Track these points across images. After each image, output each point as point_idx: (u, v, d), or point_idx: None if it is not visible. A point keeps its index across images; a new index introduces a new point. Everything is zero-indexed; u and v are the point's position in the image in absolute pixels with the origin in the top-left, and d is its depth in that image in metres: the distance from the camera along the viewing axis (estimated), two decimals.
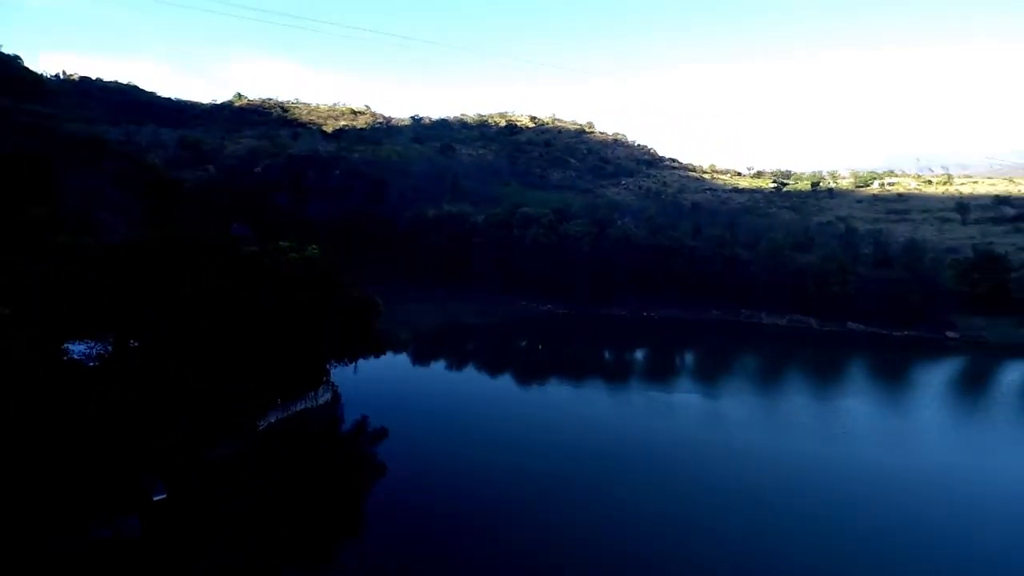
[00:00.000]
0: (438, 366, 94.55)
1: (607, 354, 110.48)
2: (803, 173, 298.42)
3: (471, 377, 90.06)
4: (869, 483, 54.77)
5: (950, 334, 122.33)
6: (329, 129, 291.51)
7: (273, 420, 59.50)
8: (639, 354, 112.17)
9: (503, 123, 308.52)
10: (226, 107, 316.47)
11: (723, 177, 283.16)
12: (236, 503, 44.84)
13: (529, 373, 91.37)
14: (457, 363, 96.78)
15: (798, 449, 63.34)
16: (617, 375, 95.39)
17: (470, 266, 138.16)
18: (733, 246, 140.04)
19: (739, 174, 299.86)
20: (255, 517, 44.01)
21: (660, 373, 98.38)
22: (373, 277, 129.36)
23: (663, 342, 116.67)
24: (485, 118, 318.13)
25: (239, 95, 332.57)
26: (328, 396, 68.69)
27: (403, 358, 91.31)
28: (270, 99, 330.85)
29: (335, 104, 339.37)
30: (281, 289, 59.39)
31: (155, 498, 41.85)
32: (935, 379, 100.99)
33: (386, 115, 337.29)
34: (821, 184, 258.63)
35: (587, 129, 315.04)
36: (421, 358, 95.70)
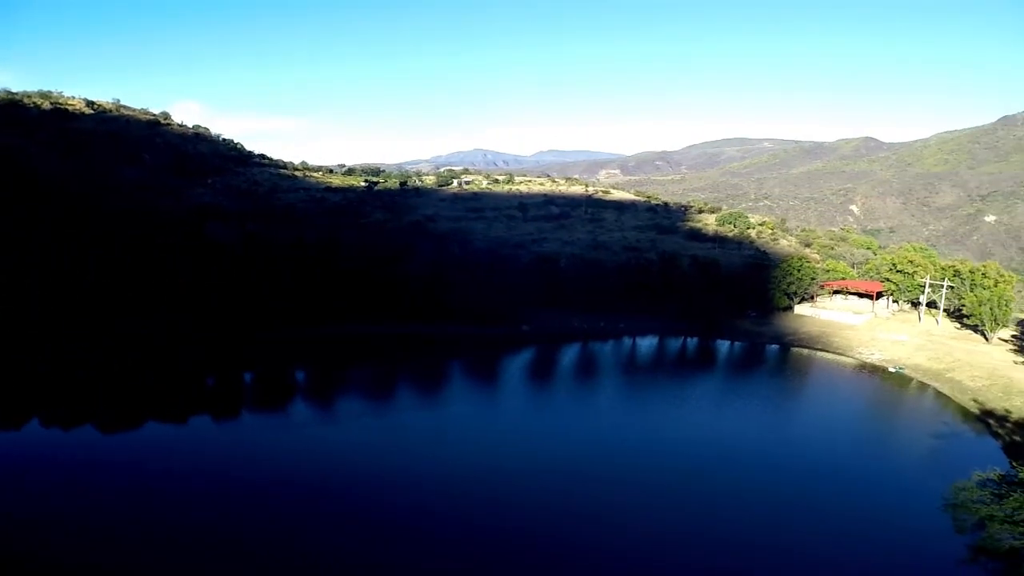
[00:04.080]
0: None
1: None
2: (391, 171, 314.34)
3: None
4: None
5: (525, 328, 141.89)
6: None
7: None
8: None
9: (47, 106, 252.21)
10: None
11: (315, 175, 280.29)
12: None
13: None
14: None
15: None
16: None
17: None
18: (338, 261, 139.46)
19: (331, 172, 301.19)
20: None
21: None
22: None
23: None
24: (18, 97, 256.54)
25: None
26: None
27: None
28: None
29: None
30: None
31: None
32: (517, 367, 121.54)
33: None
34: (409, 182, 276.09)
35: (162, 120, 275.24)
36: None
